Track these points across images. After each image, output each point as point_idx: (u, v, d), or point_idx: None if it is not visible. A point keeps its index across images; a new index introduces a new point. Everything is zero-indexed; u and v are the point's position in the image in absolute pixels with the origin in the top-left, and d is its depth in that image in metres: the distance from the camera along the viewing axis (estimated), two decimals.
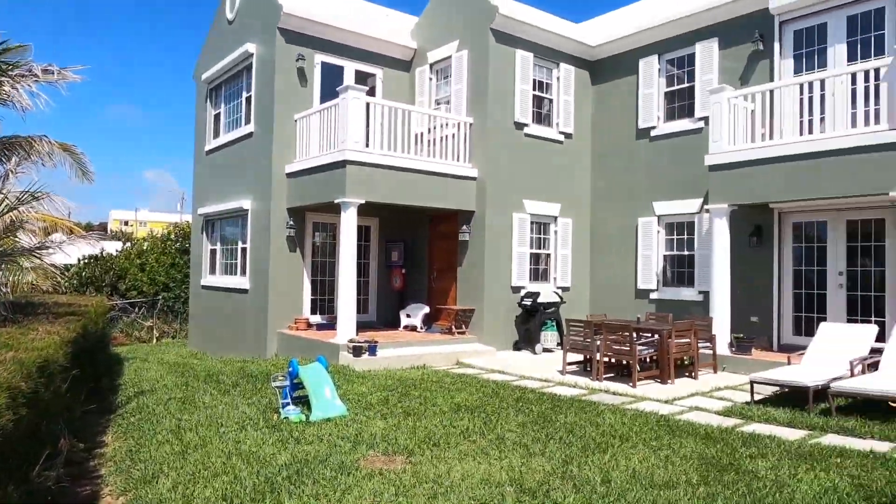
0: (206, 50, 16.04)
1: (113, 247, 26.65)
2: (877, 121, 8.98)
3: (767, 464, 5.23)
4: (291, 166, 12.36)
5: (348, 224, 10.93)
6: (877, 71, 8.96)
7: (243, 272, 13.40)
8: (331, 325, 12.52)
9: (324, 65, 13.10)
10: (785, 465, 5.20)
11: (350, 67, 13.47)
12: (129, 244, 26.95)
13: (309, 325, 12.44)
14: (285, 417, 6.90)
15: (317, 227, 13.19)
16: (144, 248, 24.08)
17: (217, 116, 15.29)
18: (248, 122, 13.53)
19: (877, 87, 9.07)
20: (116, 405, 8.02)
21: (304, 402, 7.33)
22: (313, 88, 12.92)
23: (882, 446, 5.74)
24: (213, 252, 15.13)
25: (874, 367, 7.84)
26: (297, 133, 12.48)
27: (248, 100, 13.51)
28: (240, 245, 13.66)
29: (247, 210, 13.12)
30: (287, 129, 12.51)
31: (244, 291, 13.15)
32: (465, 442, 5.97)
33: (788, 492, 4.57)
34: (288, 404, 7.21)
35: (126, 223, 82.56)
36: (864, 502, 4.38)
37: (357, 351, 10.20)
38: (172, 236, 23.65)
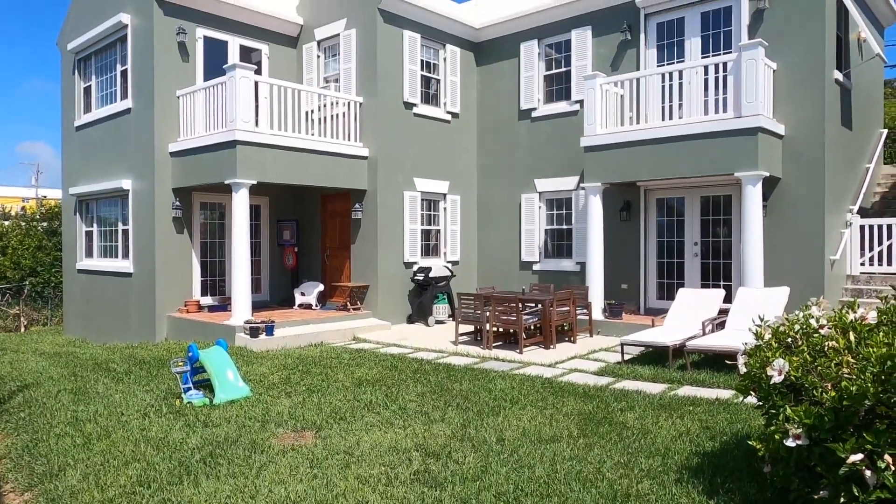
0: (71, 16, 14.92)
1: None
2: (724, 109, 10.17)
3: (635, 415, 6.06)
4: (176, 145, 11.97)
5: (240, 205, 10.84)
6: (725, 64, 10.11)
7: (125, 255, 12.87)
8: (223, 306, 12.41)
9: (206, 39, 12.70)
10: (649, 415, 6.05)
11: (235, 42, 13.14)
12: None
13: (200, 308, 12.25)
14: (188, 402, 6.97)
15: (204, 206, 12.89)
16: (5, 228, 22.07)
17: (87, 90, 14.37)
18: (124, 97, 12.87)
19: (725, 78, 10.24)
20: None
21: (205, 385, 7.41)
22: (196, 63, 12.51)
23: (725, 394, 6.79)
24: (90, 234, 14.35)
25: (721, 325, 9.06)
26: (181, 110, 12.08)
27: (124, 73, 12.84)
28: (120, 227, 13.08)
29: (127, 190, 12.57)
30: (169, 106, 12.07)
31: (128, 275, 12.66)
32: (369, 414, 6.37)
33: (651, 437, 5.39)
34: (189, 389, 7.27)
35: None
36: (710, 441, 5.26)
37: (254, 332, 10.26)
38: (38, 216, 21.90)
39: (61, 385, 8.01)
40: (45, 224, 21.29)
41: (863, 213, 11.92)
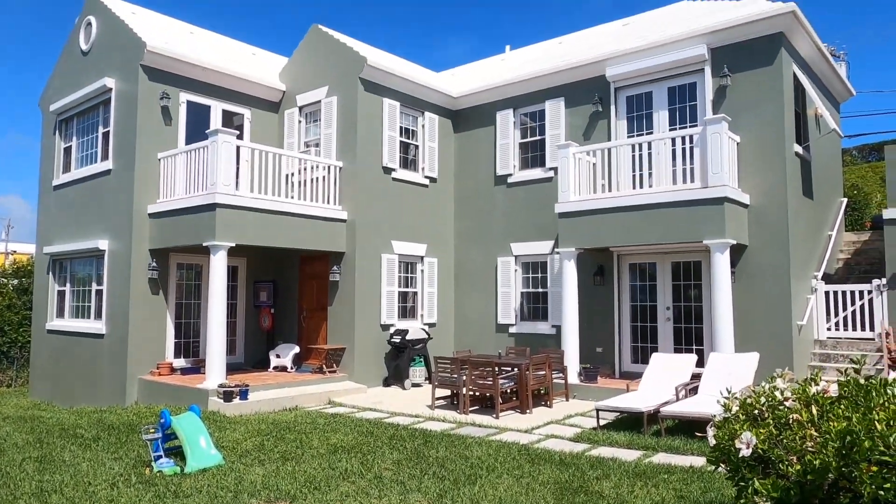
0: (55, 79, 15.13)
1: None
2: (692, 179, 10.59)
3: (611, 484, 6.08)
4: (155, 207, 12.03)
5: (218, 267, 10.85)
6: (691, 137, 10.59)
7: (98, 315, 12.70)
8: (196, 368, 12.23)
9: (189, 103, 12.96)
10: (624, 483, 6.08)
11: (217, 107, 13.42)
12: None
13: (173, 370, 12.05)
14: (159, 471, 6.82)
15: (181, 267, 12.86)
16: None
17: (67, 150, 14.46)
18: (105, 158, 12.98)
19: (692, 150, 10.70)
20: None
21: (176, 453, 7.27)
22: (178, 127, 12.71)
23: (699, 461, 6.84)
24: (62, 294, 14.16)
25: (695, 391, 9.17)
26: (161, 173, 12.20)
27: (106, 135, 12.99)
28: (94, 287, 12.95)
29: (103, 251, 12.51)
30: (149, 168, 12.19)
31: (99, 336, 12.45)
32: (345, 483, 6.30)
33: None
34: (160, 457, 7.11)
35: None
36: None
37: (228, 396, 10.11)
38: (9, 271, 21.56)
39: (26, 452, 7.78)
40: (15, 282, 20.92)
41: (827, 279, 12.31)
